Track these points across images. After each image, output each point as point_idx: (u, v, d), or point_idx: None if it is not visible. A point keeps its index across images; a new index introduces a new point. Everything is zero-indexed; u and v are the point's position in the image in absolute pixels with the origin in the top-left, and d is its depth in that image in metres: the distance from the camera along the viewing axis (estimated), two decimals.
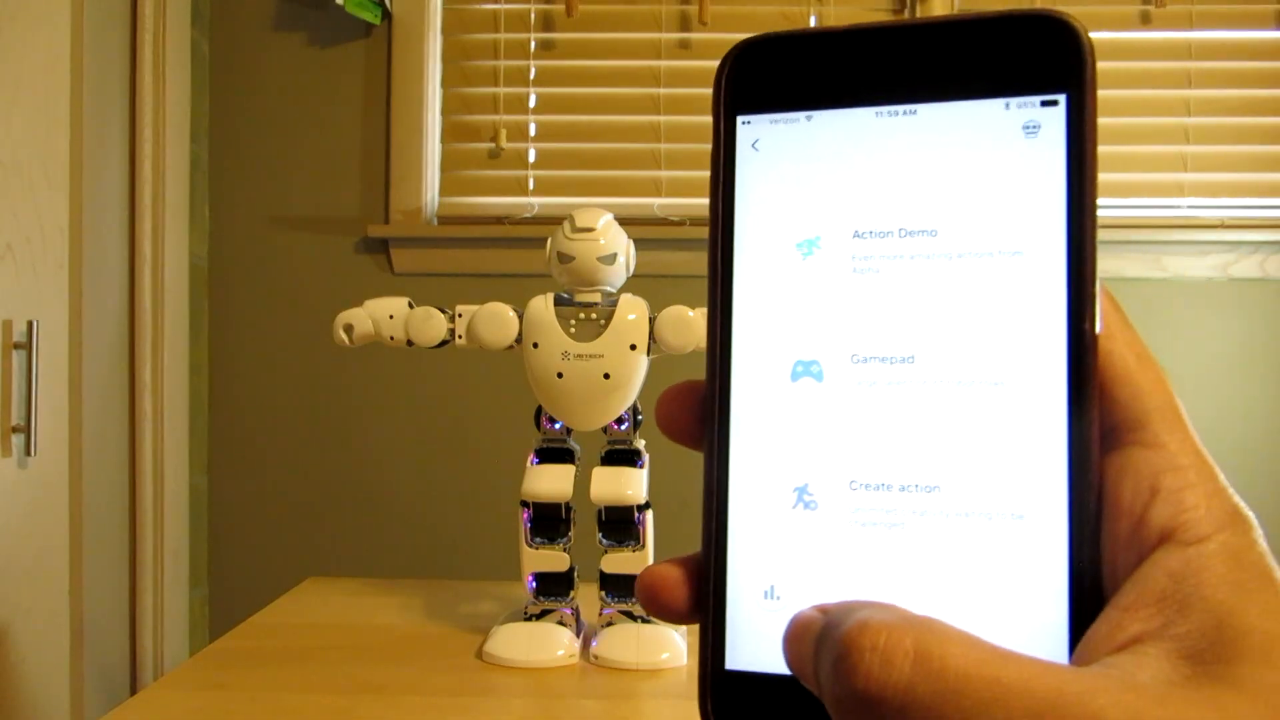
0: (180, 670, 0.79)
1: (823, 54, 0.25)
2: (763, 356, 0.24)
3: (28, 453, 1.21)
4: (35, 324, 1.22)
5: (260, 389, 1.68)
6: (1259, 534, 0.20)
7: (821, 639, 0.20)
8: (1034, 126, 0.23)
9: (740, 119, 0.25)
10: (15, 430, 1.21)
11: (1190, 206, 1.65)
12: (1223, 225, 1.63)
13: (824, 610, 0.20)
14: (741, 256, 0.25)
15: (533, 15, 1.69)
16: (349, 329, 0.86)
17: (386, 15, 1.66)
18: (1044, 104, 0.23)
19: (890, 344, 0.23)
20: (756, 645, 0.23)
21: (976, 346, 0.23)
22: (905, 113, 0.24)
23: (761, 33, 0.26)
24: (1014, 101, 0.23)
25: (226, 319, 1.69)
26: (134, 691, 1.50)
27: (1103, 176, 1.65)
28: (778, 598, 0.23)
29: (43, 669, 1.27)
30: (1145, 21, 1.66)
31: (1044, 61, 0.23)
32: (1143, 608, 0.19)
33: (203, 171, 1.67)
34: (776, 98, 0.25)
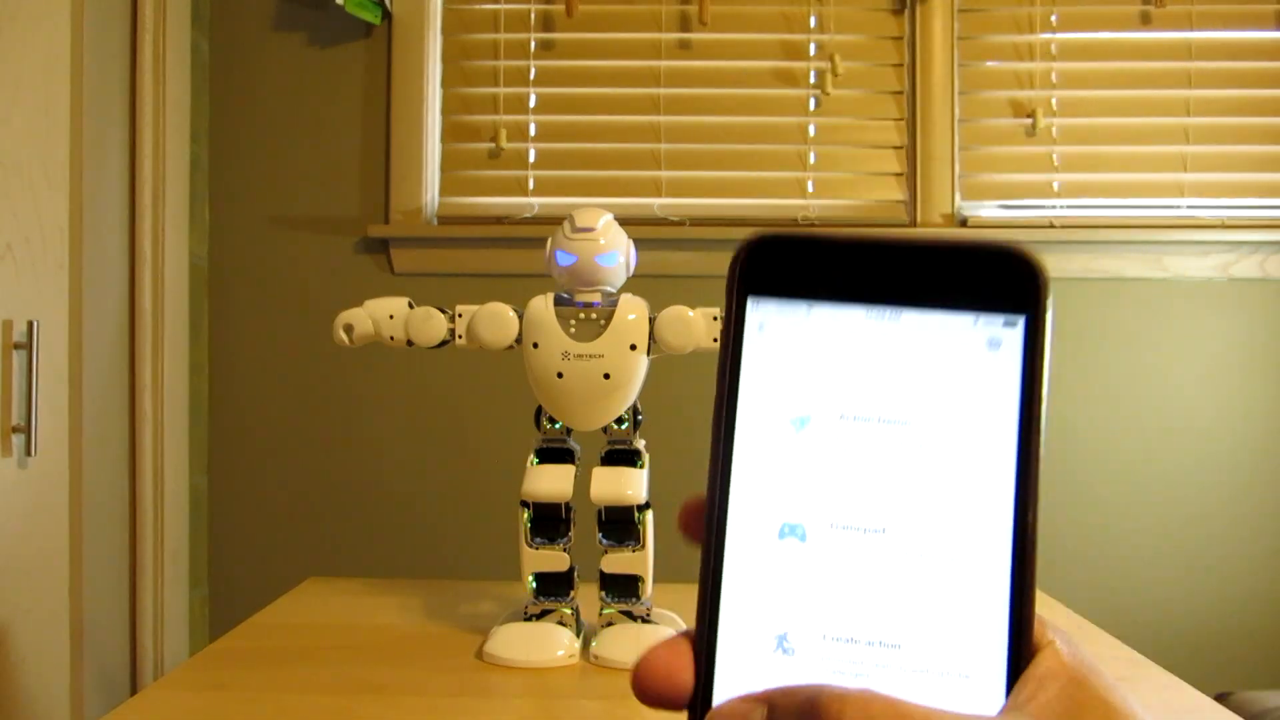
0: (180, 670, 0.79)
1: (826, 255, 0.28)
2: (754, 515, 0.28)
3: (28, 453, 1.21)
4: (35, 324, 1.22)
5: (260, 389, 1.68)
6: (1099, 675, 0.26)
7: (775, 705, 0.24)
8: (996, 342, 0.27)
9: (750, 300, 0.28)
10: (15, 430, 1.21)
11: (1190, 206, 1.65)
12: (1223, 225, 1.63)
13: (762, 696, 0.25)
14: (742, 425, 0.28)
15: (533, 15, 1.69)
16: (349, 329, 0.86)
17: (386, 15, 1.66)
18: (1005, 324, 0.27)
19: (865, 515, 0.27)
20: None
21: (938, 525, 0.27)
22: (890, 316, 0.28)
23: (776, 230, 0.29)
24: (981, 318, 0.27)
25: (226, 319, 1.69)
26: (134, 691, 1.50)
27: (1103, 176, 1.65)
28: None
29: (43, 669, 1.27)
30: (1145, 21, 1.66)
31: (1007, 288, 0.27)
32: (1019, 690, 0.25)
33: (203, 171, 1.67)
34: (783, 287, 0.28)
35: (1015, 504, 0.26)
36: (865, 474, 0.27)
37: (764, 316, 0.28)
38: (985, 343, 0.27)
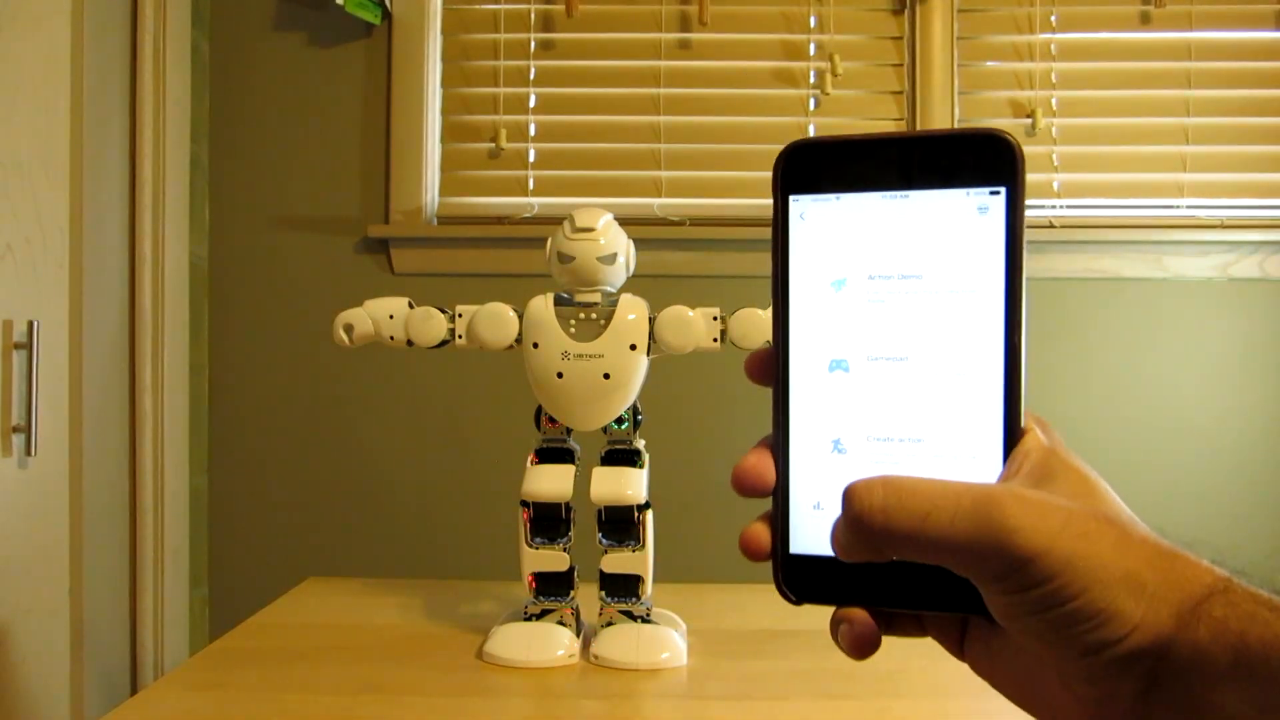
0: (180, 670, 0.79)
1: (848, 154, 0.37)
2: (809, 355, 0.37)
3: (28, 453, 1.21)
4: (35, 324, 1.22)
5: (260, 389, 1.68)
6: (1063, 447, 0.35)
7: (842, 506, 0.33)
8: (985, 208, 0.35)
9: (792, 197, 0.37)
10: (15, 430, 1.21)
11: (1190, 206, 1.65)
12: (1223, 225, 1.63)
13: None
14: (794, 289, 0.37)
15: (533, 15, 1.69)
16: (349, 329, 0.86)
17: (386, 15, 1.66)
18: (990, 193, 0.35)
19: (892, 348, 0.36)
20: (810, 538, 0.37)
21: (950, 349, 0.35)
22: (901, 196, 0.36)
23: (808, 138, 0.37)
24: (972, 191, 0.35)
25: (226, 319, 1.69)
26: (134, 691, 1.50)
27: (1103, 176, 1.65)
28: (821, 509, 0.37)
29: (43, 669, 1.27)
30: (1145, 22, 1.66)
31: (991, 165, 0.35)
32: (1009, 464, 0.34)
33: (203, 171, 1.67)
34: (816, 184, 0.37)
35: (1005, 329, 0.34)
36: (890, 317, 0.36)
37: (803, 208, 0.37)
38: (976, 209, 0.35)
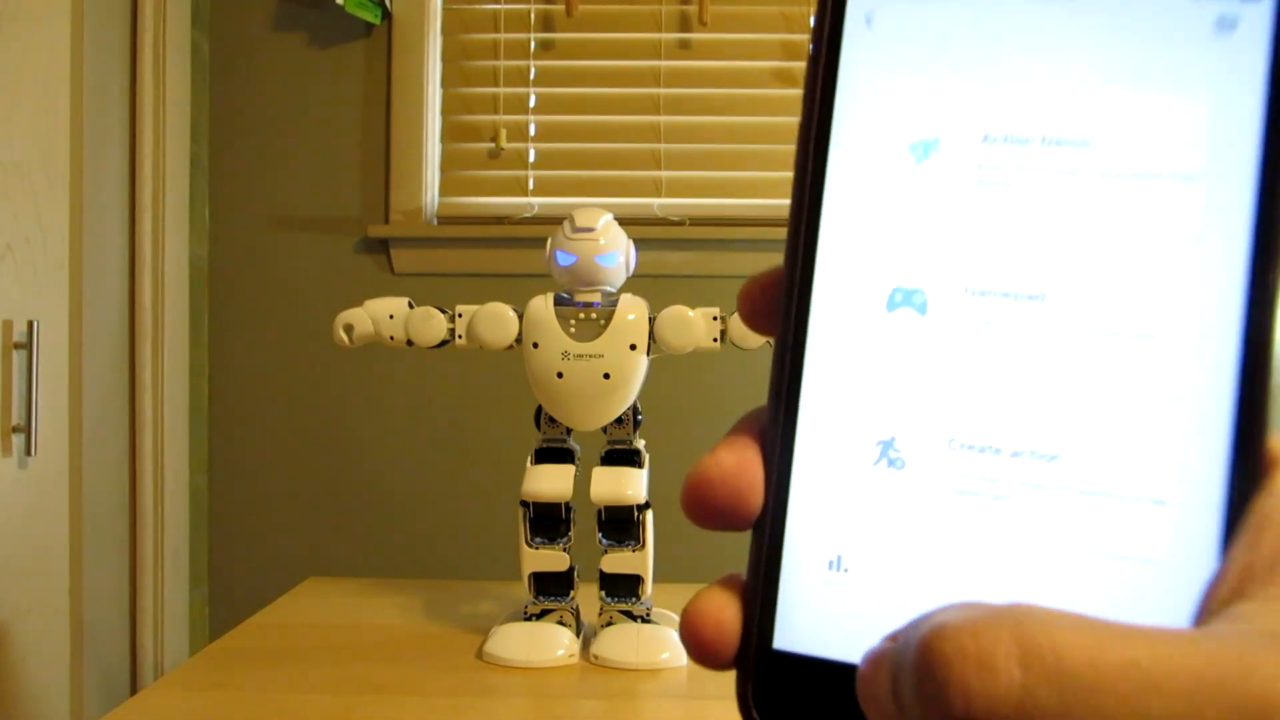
0: (180, 670, 0.79)
1: None
2: (855, 279, 0.20)
3: (28, 453, 1.21)
4: (35, 324, 1.22)
5: (260, 389, 1.68)
6: None
7: (896, 666, 0.16)
8: (1230, 21, 0.18)
9: None
10: (15, 430, 1.21)
11: None
12: None
13: (894, 636, 0.16)
14: (839, 154, 0.20)
15: (533, 15, 1.69)
16: (349, 329, 0.86)
17: (386, 15, 1.66)
18: None
19: (1017, 276, 0.19)
20: (814, 623, 0.19)
21: (1126, 289, 0.18)
22: None
23: None
24: None
25: (226, 319, 1.69)
26: (134, 691, 1.50)
27: None
28: (845, 569, 0.20)
29: (43, 669, 1.27)
30: None
31: None
32: (1256, 541, 0.17)
33: (203, 171, 1.67)
34: None
35: (1253, 258, 0.18)
36: (1019, 215, 0.19)
37: (873, 3, 0.20)
38: (1212, 23, 0.18)
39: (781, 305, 0.20)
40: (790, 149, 1.66)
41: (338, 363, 1.66)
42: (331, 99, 1.68)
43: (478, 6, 1.69)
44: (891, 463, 0.20)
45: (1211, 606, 0.17)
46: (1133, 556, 0.18)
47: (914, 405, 0.20)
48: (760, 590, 0.20)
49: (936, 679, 0.15)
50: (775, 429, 0.20)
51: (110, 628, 1.46)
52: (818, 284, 0.20)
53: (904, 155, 0.20)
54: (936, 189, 0.20)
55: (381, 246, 1.67)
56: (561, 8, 1.66)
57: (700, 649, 0.20)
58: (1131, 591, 0.18)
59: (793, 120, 1.67)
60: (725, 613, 0.20)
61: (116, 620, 1.48)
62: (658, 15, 1.68)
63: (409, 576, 1.31)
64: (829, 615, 0.19)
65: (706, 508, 0.20)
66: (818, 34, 0.21)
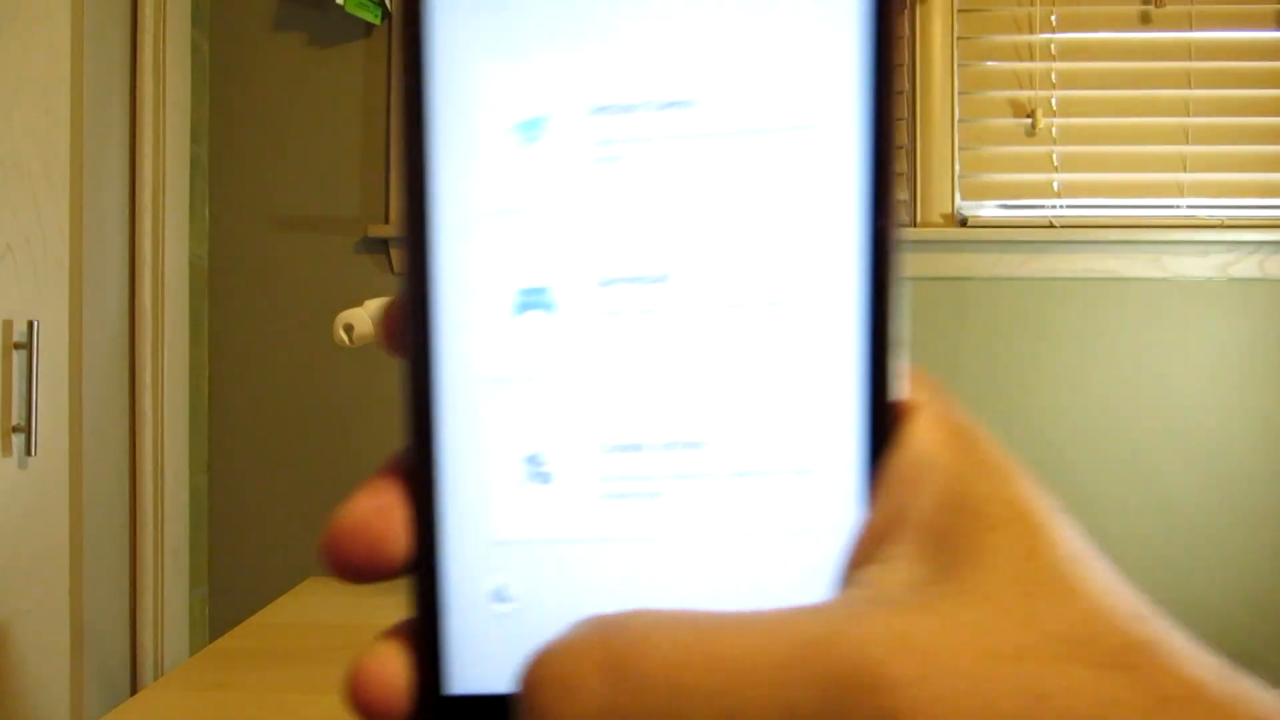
0: (180, 670, 0.79)
1: None
2: (477, 285, 0.18)
3: (28, 453, 1.21)
4: (35, 324, 1.22)
5: (260, 389, 1.68)
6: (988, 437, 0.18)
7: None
8: None
9: None
10: (15, 430, 1.21)
11: (1190, 206, 1.65)
12: (1223, 225, 1.63)
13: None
14: (442, 145, 0.18)
15: None
16: (349, 329, 0.86)
17: (386, 15, 1.66)
18: None
19: (640, 258, 0.18)
20: (485, 660, 0.18)
21: (749, 257, 0.18)
22: None
23: None
24: None
25: (226, 319, 1.69)
26: (134, 691, 1.50)
27: (1103, 176, 1.65)
28: (509, 599, 0.18)
29: (43, 669, 1.27)
30: (1145, 21, 1.66)
31: None
32: (884, 502, 0.16)
33: (203, 171, 1.67)
34: None
35: (864, 205, 0.17)
36: (635, 196, 0.18)
37: None
38: None
39: (405, 325, 0.19)
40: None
41: (338, 363, 1.66)
42: (331, 99, 1.68)
43: None
44: (541, 478, 0.19)
45: (846, 574, 0.17)
46: (787, 531, 0.18)
47: (554, 414, 0.19)
48: (426, 636, 0.19)
49: (529, 707, 0.15)
50: (415, 463, 0.19)
51: (110, 628, 1.46)
52: (439, 296, 0.18)
53: (510, 138, 0.18)
54: (550, 171, 0.18)
55: (381, 246, 1.67)
56: None
57: (370, 712, 0.18)
58: (789, 567, 0.18)
59: None
60: (392, 667, 0.18)
61: (116, 620, 1.48)
62: None
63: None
64: (499, 649, 0.18)
65: (345, 562, 0.18)
66: (403, 10, 0.19)
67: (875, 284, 0.17)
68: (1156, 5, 1.65)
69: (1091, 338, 1.65)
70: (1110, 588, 0.16)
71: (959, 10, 1.67)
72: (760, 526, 0.18)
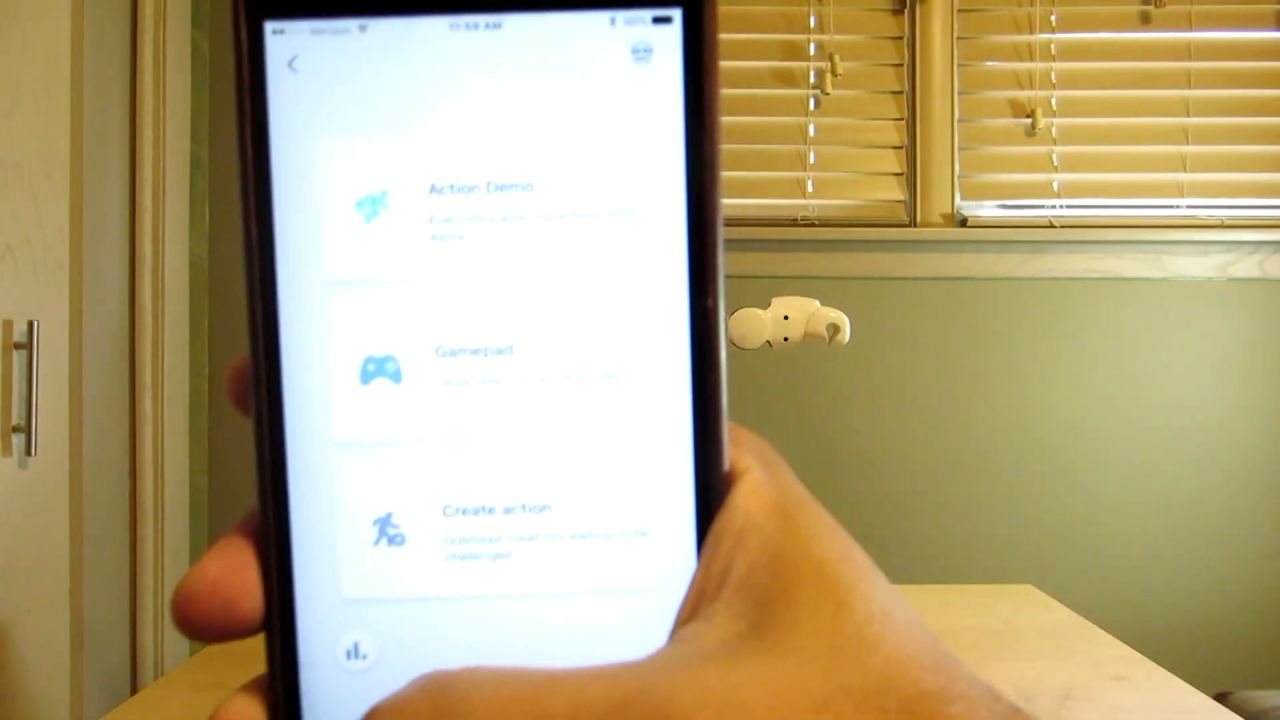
0: (180, 670, 0.79)
1: None
2: (323, 353, 0.19)
3: (28, 453, 1.21)
4: (35, 324, 1.22)
5: None
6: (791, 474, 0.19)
7: None
8: (645, 50, 0.19)
9: (270, 25, 0.19)
10: (15, 430, 1.21)
11: (1190, 206, 1.65)
12: (1222, 225, 1.63)
13: None
14: (285, 218, 0.19)
15: None
16: None
17: None
18: (656, 20, 0.19)
19: (484, 331, 0.19)
20: (340, 717, 0.19)
21: (585, 330, 0.19)
22: (489, 25, 0.19)
23: None
24: (620, 16, 0.19)
25: (227, 319, 1.69)
26: (134, 691, 1.50)
27: (1103, 176, 1.65)
28: (363, 655, 0.19)
29: (43, 669, 1.26)
30: (1145, 21, 1.66)
31: None
32: (709, 562, 0.18)
33: (203, 171, 1.67)
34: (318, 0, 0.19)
35: (690, 285, 0.19)
36: (476, 270, 0.19)
37: (295, 47, 0.19)
38: (629, 52, 0.19)
39: (252, 388, 0.19)
40: (790, 148, 1.66)
41: None
42: None
43: None
44: (391, 540, 0.19)
45: (673, 630, 0.18)
46: (625, 590, 0.19)
47: (404, 478, 0.19)
48: (282, 694, 0.19)
49: None
50: (267, 523, 0.19)
51: (110, 628, 1.46)
52: (285, 362, 0.19)
53: (352, 214, 0.19)
54: (392, 247, 0.19)
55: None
56: None
57: None
58: (625, 625, 0.19)
59: (794, 119, 1.67)
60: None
61: (116, 620, 1.48)
62: None
63: None
64: (355, 704, 0.19)
65: (194, 622, 0.19)
66: (239, 81, 0.19)
67: (701, 359, 0.19)
68: (1156, 5, 1.65)
69: (1091, 338, 1.65)
70: (911, 641, 0.16)
71: (959, 10, 1.67)
72: (601, 585, 0.19)
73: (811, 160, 1.66)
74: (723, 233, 0.19)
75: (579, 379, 0.19)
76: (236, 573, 0.19)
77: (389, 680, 0.19)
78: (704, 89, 0.19)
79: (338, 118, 0.19)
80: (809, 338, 0.86)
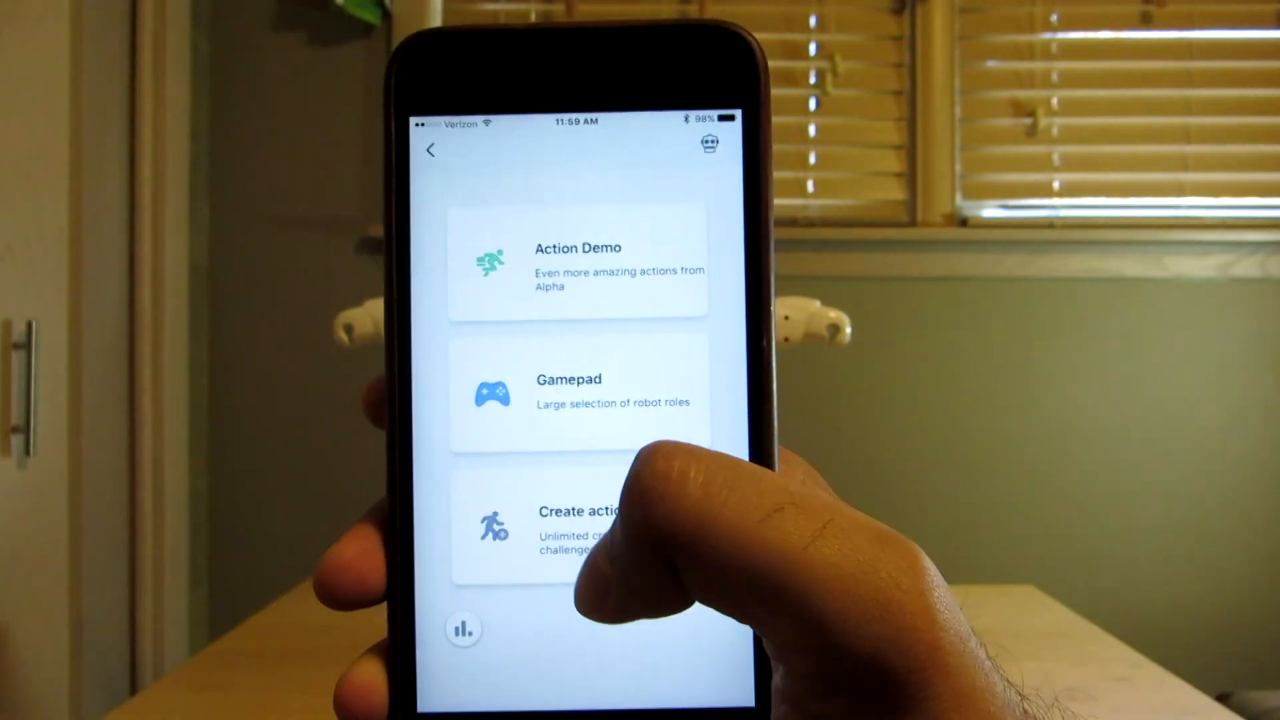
0: (180, 670, 0.79)
1: (500, 54, 0.24)
2: (445, 379, 0.24)
3: (28, 453, 1.21)
4: (35, 324, 1.22)
5: (260, 389, 1.68)
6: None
7: (609, 536, 0.20)
8: (712, 141, 0.24)
9: (413, 120, 0.24)
10: (15, 430, 1.21)
11: (1190, 206, 1.65)
12: (1223, 225, 1.63)
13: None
14: (420, 271, 0.24)
15: (533, 15, 1.69)
16: (349, 329, 0.86)
17: (386, 15, 1.66)
18: (721, 118, 0.24)
19: (576, 363, 0.24)
20: (450, 683, 0.23)
21: (661, 364, 0.23)
22: (587, 121, 0.24)
23: (436, 27, 0.25)
24: (693, 115, 0.24)
25: (226, 319, 1.69)
26: (134, 691, 1.50)
27: (1103, 176, 1.65)
28: (470, 633, 0.23)
29: (43, 669, 1.26)
30: (1145, 21, 1.66)
31: (719, 74, 0.23)
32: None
33: (203, 171, 1.67)
34: (452, 99, 0.24)
35: (747, 329, 0.23)
36: (573, 313, 0.24)
37: (433, 136, 0.24)
38: (700, 142, 0.24)
39: (386, 406, 0.24)
40: (790, 148, 1.66)
41: (338, 363, 1.66)
42: (331, 99, 1.68)
43: (478, 6, 1.69)
44: (496, 535, 0.23)
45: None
46: None
47: (508, 483, 0.24)
48: (399, 661, 0.23)
49: (634, 498, 0.19)
50: (394, 515, 0.23)
51: (110, 628, 1.46)
52: (415, 386, 0.24)
53: (473, 268, 0.24)
54: (504, 294, 0.24)
55: (382, 246, 1.67)
56: (561, 8, 1.66)
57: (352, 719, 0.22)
58: (697, 616, 0.22)
59: (794, 119, 1.67)
60: (374, 683, 0.22)
61: (116, 620, 1.48)
62: (657, 16, 1.68)
63: None
64: (462, 675, 0.23)
65: (332, 595, 0.23)
66: (387, 163, 0.24)
67: (756, 390, 0.23)
68: (1157, 5, 1.65)
69: (1092, 338, 1.65)
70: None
71: (960, 10, 1.67)
72: None
73: (812, 160, 1.66)
74: (776, 286, 0.23)
75: (655, 404, 0.24)
76: (367, 556, 0.23)
77: (489, 657, 0.23)
78: (760, 171, 0.23)
79: (464, 191, 0.24)
80: (810, 338, 0.85)
